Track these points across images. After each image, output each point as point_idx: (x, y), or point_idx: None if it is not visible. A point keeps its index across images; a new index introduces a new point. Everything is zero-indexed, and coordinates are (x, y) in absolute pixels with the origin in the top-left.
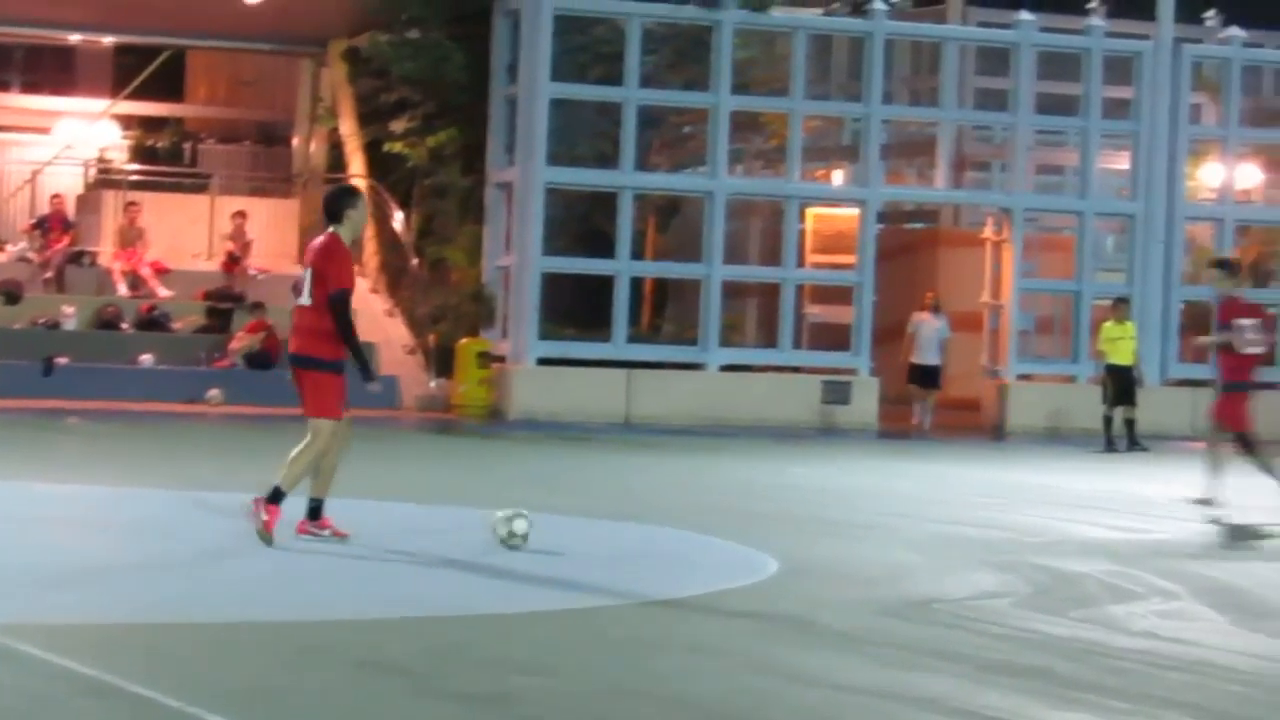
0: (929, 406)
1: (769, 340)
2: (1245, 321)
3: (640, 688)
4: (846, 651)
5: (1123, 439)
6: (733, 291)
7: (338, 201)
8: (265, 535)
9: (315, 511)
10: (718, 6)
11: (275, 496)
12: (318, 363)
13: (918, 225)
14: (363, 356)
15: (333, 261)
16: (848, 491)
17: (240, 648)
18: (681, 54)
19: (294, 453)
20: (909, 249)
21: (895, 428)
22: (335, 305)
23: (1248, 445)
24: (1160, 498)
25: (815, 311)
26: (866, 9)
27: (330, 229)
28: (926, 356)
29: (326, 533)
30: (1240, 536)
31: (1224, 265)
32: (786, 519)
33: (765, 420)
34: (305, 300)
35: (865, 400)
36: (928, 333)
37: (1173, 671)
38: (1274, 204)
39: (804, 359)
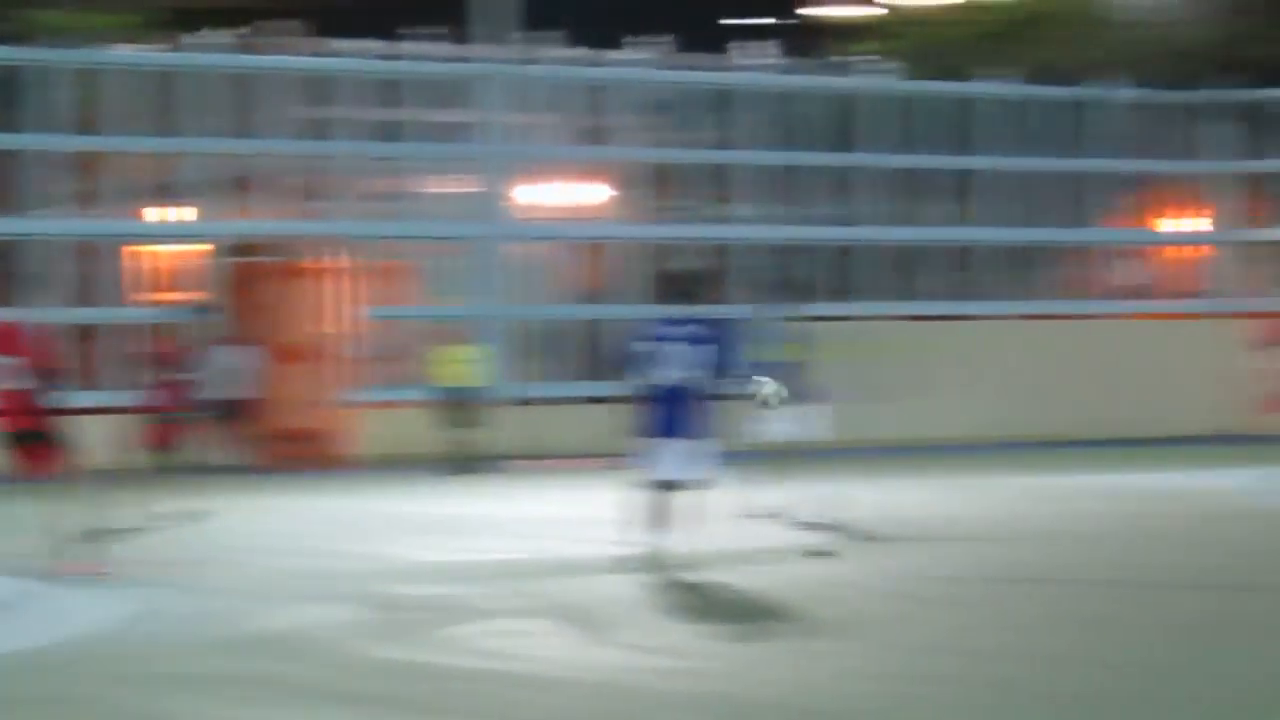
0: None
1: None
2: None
3: None
4: (189, 691)
5: (466, 461)
6: None
7: None
8: None
9: None
10: None
11: None
12: None
13: (260, 259)
14: None
15: None
16: (175, 531)
17: None
18: None
19: None
20: (249, 282)
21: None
22: None
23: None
24: (506, 518)
25: None
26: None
27: None
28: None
29: None
30: None
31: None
32: (124, 563)
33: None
34: None
35: None
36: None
37: (521, 689)
38: (598, 219)
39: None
